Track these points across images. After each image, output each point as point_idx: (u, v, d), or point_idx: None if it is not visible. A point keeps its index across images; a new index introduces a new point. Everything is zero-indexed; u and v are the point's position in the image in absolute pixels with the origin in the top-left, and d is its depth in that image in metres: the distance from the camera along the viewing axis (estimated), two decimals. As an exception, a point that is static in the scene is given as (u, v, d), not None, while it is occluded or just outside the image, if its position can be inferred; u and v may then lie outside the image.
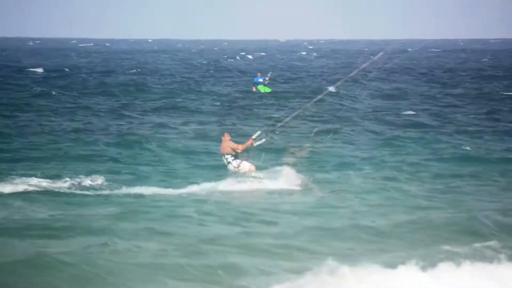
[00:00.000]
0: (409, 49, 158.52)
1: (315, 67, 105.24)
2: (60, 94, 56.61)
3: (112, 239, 17.13)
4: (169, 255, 16.27)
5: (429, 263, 15.22)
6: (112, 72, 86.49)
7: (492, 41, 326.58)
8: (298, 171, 25.93)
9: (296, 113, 28.15)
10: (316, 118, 42.47)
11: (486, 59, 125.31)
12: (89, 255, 15.72)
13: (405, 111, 46.90)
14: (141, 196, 23.71)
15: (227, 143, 26.78)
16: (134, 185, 25.22)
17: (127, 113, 45.98)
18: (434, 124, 40.93)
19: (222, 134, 27.30)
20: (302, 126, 38.39)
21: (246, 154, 26.67)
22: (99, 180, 25.77)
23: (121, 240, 17.11)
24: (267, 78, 59.18)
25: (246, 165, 26.72)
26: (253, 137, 26.89)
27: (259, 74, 61.38)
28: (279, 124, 27.75)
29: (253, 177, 26.14)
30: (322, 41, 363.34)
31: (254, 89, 59.47)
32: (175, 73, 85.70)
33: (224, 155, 26.83)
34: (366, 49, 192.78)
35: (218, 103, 51.88)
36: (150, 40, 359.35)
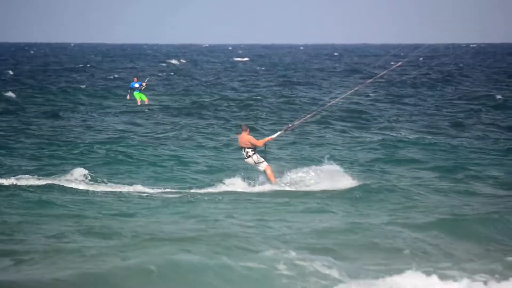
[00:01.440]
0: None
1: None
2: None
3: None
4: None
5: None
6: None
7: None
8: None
9: (313, 113, 28.78)
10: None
11: None
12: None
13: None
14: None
15: (247, 137, 27.07)
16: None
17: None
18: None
19: (240, 127, 27.60)
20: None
21: (263, 149, 27.06)
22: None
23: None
24: (144, 84, 53.83)
25: (264, 164, 27.08)
26: (273, 136, 27.41)
27: (135, 79, 55.37)
28: (297, 123, 28.15)
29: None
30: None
31: (128, 97, 54.96)
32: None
33: (244, 148, 27.09)
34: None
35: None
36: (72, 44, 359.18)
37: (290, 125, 28.09)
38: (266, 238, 17.67)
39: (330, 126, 38.79)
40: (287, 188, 26.03)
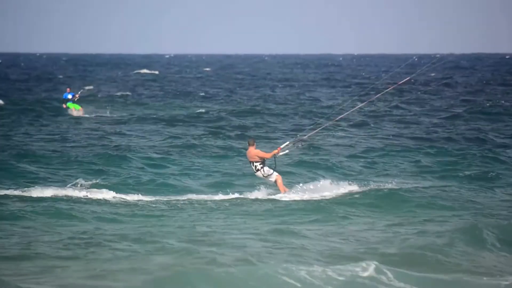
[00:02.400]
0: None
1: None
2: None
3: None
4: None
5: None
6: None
7: None
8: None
9: (325, 125, 28.45)
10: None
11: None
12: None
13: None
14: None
15: (254, 151, 26.98)
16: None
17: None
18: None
19: (247, 141, 27.54)
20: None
21: (272, 161, 26.96)
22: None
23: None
24: (76, 96, 55.59)
25: (274, 175, 27.00)
26: (281, 146, 27.25)
27: (68, 89, 57.22)
28: (307, 136, 27.99)
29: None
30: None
31: (64, 106, 56.23)
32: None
33: (252, 162, 27.02)
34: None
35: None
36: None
37: (299, 138, 27.94)
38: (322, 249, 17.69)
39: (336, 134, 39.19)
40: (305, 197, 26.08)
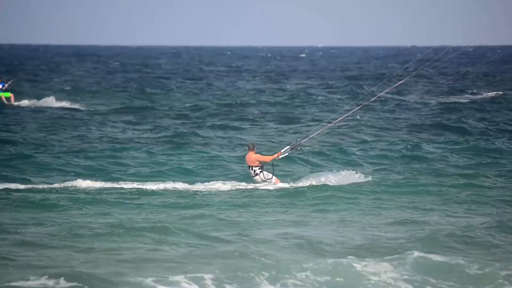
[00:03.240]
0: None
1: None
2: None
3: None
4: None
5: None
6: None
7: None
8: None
9: (324, 128, 28.37)
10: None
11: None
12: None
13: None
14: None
15: (255, 156, 27.03)
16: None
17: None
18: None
19: (247, 145, 27.58)
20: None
21: (271, 166, 27.01)
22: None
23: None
24: (6, 85, 57.84)
25: (273, 179, 27.09)
26: (282, 151, 27.40)
27: None
28: (306, 139, 27.91)
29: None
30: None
31: None
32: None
33: (251, 167, 27.09)
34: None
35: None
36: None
37: (298, 141, 27.91)
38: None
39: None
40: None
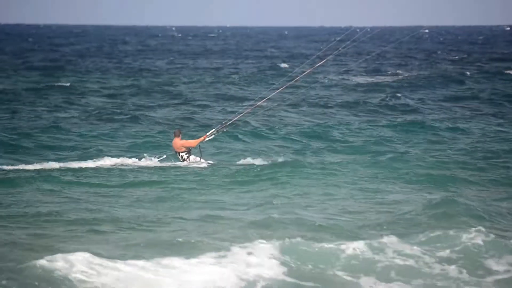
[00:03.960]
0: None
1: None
2: None
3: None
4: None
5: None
6: None
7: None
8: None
9: (248, 110, 28.37)
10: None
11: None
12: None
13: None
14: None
15: (180, 142, 26.96)
16: None
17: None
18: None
19: (173, 132, 27.56)
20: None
21: (197, 149, 26.95)
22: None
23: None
24: None
25: (202, 162, 26.87)
26: (207, 133, 27.35)
27: None
28: (231, 121, 27.84)
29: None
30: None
31: None
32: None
33: (178, 152, 27.02)
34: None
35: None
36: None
37: (224, 123, 27.86)
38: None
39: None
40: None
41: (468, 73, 66.01)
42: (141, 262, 14.12)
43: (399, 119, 37.97)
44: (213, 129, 27.59)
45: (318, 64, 27.14)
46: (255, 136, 33.46)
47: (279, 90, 28.22)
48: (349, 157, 27.69)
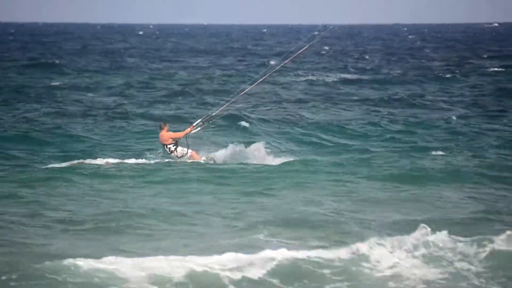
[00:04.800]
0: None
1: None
2: None
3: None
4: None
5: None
6: None
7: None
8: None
9: (234, 99, 28.81)
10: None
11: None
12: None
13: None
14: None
15: (167, 134, 27.35)
16: None
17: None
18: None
19: (159, 125, 27.92)
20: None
21: (184, 140, 27.32)
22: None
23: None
24: None
25: (189, 152, 27.41)
26: (193, 124, 27.65)
27: None
28: (217, 112, 28.34)
29: (204, 160, 27.37)
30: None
31: None
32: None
33: (165, 145, 27.41)
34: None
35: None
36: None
37: (209, 114, 28.31)
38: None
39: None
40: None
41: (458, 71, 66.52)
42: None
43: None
44: (199, 120, 27.81)
45: (294, 55, 27.76)
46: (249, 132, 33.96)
47: (259, 81, 28.58)
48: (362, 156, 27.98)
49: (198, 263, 13.96)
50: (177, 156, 27.37)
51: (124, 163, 26.32)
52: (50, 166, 25.49)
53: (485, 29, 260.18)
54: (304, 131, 33.94)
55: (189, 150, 27.43)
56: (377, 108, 42.15)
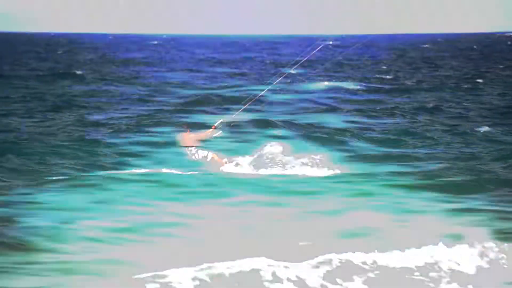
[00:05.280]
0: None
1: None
2: None
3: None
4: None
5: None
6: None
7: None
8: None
9: (253, 99, 28.43)
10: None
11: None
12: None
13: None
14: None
15: (189, 136, 27.21)
16: None
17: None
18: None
19: (181, 128, 27.88)
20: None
21: (206, 143, 27.03)
22: None
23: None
24: None
25: (210, 155, 27.15)
26: (215, 125, 27.22)
27: None
28: (237, 113, 28.32)
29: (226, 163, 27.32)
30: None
31: None
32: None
33: (188, 147, 27.13)
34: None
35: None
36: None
37: (229, 117, 28.47)
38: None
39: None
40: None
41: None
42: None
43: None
44: (220, 120, 27.44)
45: (304, 59, 27.76)
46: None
47: (270, 86, 29.21)
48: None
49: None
50: (199, 159, 27.24)
51: (158, 172, 26.16)
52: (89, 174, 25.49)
53: (499, 37, 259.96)
54: (337, 138, 33.94)
55: (210, 153, 27.27)
56: (411, 116, 42.30)
